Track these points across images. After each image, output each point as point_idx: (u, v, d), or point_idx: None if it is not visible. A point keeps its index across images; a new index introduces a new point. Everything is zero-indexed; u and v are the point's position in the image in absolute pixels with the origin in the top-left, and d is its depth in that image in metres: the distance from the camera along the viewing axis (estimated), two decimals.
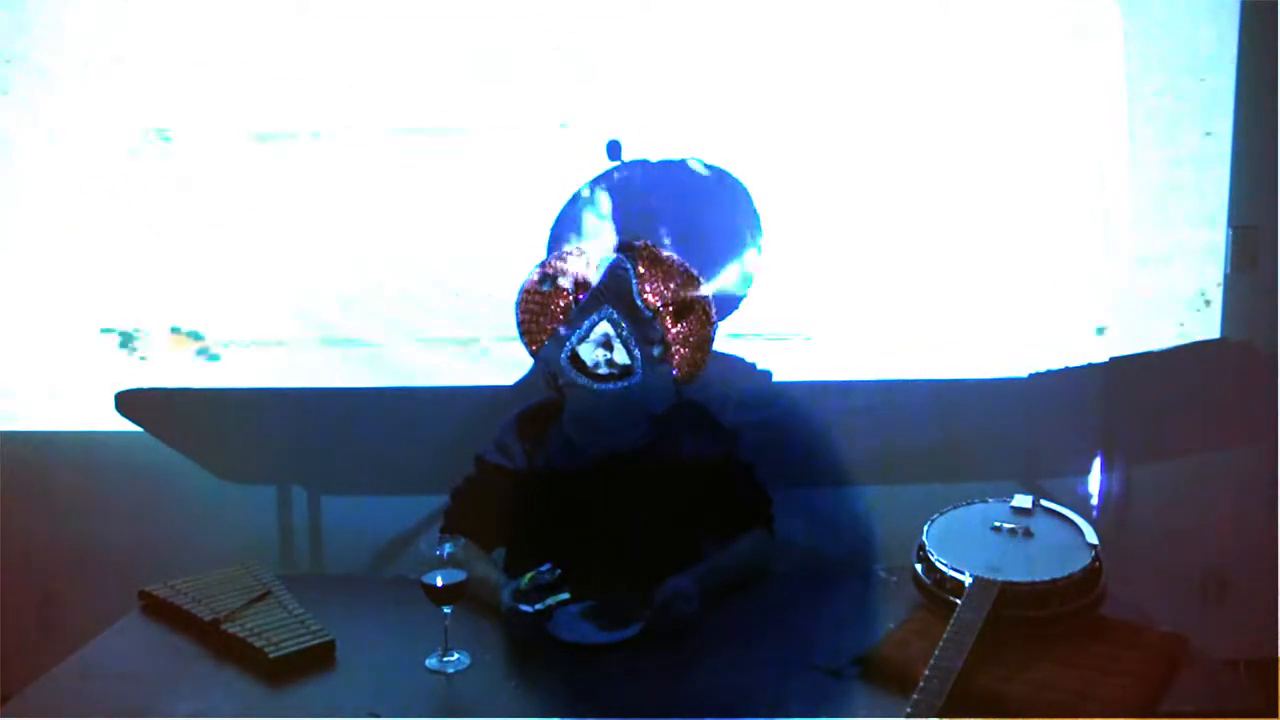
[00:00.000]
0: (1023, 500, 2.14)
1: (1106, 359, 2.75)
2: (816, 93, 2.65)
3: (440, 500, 2.31)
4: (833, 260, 2.70)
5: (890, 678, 1.79)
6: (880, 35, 2.64)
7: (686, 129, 2.65)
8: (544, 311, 2.29)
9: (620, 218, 2.58)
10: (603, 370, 2.20)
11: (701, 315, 2.30)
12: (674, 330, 2.27)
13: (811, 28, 2.63)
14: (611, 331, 2.20)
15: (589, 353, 2.21)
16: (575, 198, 2.62)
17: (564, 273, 2.27)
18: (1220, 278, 2.74)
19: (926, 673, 1.70)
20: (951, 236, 2.69)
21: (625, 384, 2.19)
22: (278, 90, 2.65)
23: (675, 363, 2.28)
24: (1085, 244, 2.72)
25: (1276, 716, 1.71)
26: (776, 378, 2.74)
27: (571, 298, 2.27)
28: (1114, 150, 2.70)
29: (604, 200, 2.61)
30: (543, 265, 2.31)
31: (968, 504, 2.16)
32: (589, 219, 2.59)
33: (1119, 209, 2.71)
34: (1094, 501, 2.77)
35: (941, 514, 2.13)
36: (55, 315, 2.74)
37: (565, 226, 2.61)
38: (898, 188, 2.68)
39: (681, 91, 2.63)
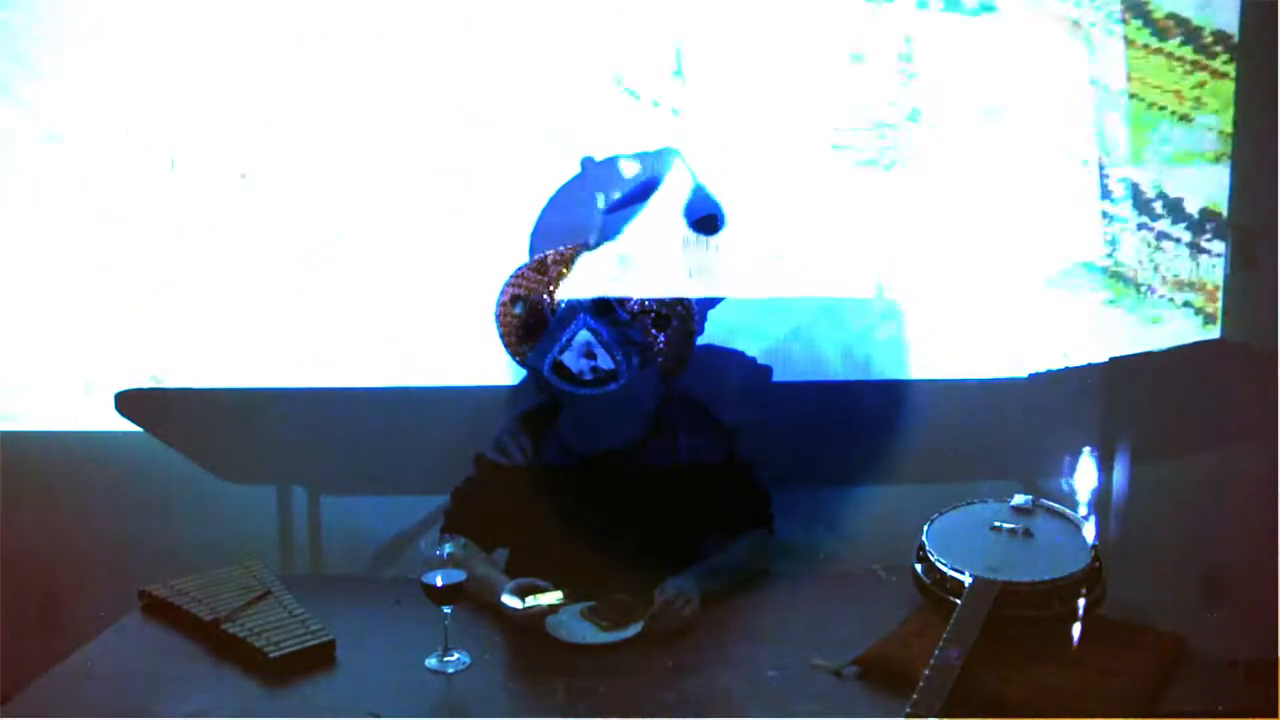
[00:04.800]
0: (1023, 500, 2.14)
1: (1106, 359, 2.75)
2: (814, 92, 2.65)
3: (440, 500, 2.31)
4: (831, 258, 2.70)
5: (890, 678, 1.79)
6: (877, 32, 2.64)
7: (680, 128, 2.65)
8: (522, 326, 2.30)
9: (593, 220, 2.58)
10: (588, 377, 2.20)
11: (682, 313, 2.30)
12: (656, 335, 2.27)
13: (809, 27, 2.63)
14: (592, 339, 2.21)
15: (573, 361, 2.21)
16: (550, 204, 2.63)
17: (534, 289, 2.28)
18: (1220, 278, 2.74)
19: (926, 673, 1.70)
20: (950, 234, 2.70)
21: (612, 387, 2.20)
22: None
23: (660, 363, 2.28)
24: (1084, 242, 2.72)
25: (1276, 716, 1.71)
26: (776, 376, 2.74)
27: (547, 309, 2.27)
28: (1114, 148, 2.70)
29: (578, 204, 2.62)
30: (512, 282, 2.31)
31: (968, 504, 2.16)
32: (564, 225, 2.59)
33: (1118, 207, 2.72)
34: (1093, 501, 2.77)
35: (941, 514, 2.13)
36: (54, 313, 2.75)
37: (542, 234, 2.62)
38: (897, 186, 2.68)
39: (675, 90, 2.64)
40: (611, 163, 2.64)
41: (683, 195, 2.61)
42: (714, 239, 2.60)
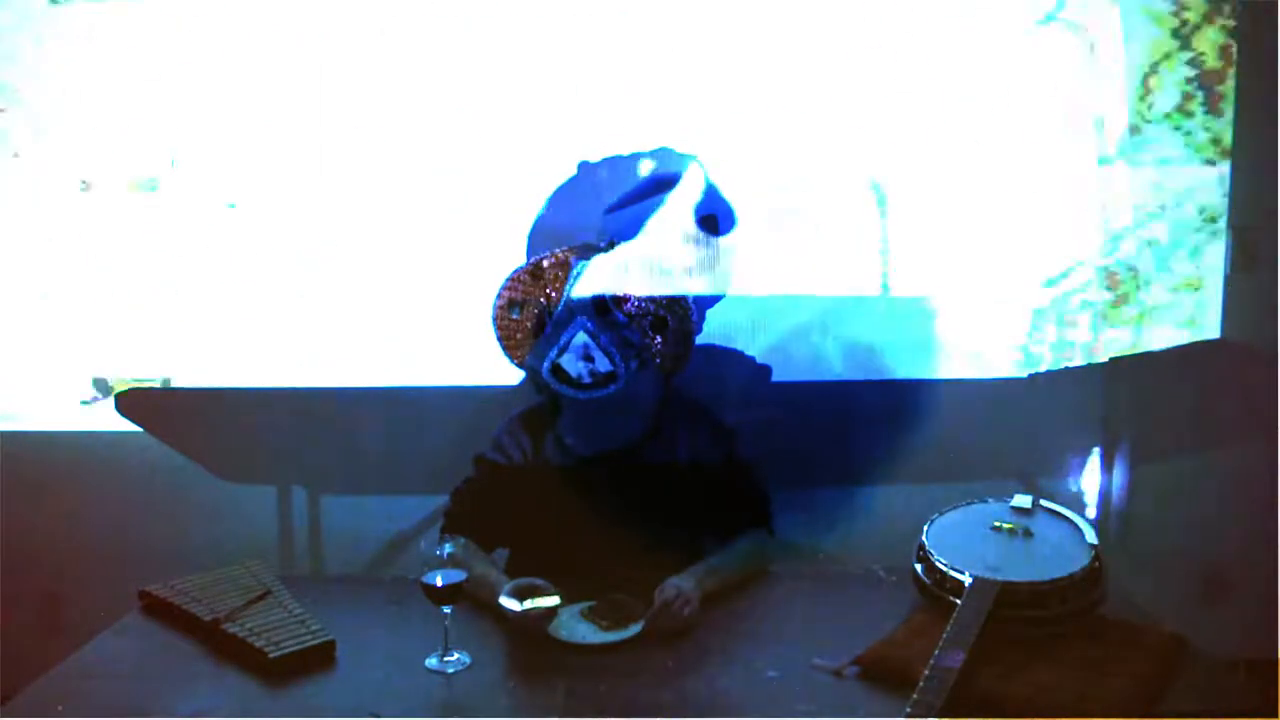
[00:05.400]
0: (1023, 500, 2.14)
1: (1106, 359, 2.75)
2: (808, 93, 2.65)
3: (440, 500, 2.31)
4: (832, 257, 2.70)
5: (890, 678, 1.79)
6: (870, 31, 2.64)
7: (680, 127, 2.65)
8: (520, 329, 2.29)
9: (588, 221, 2.58)
10: (586, 380, 2.20)
11: (679, 313, 2.29)
12: (654, 336, 2.26)
13: (806, 25, 2.64)
14: (590, 342, 2.20)
15: (571, 364, 2.20)
16: (547, 205, 2.63)
17: (530, 293, 2.27)
18: (1220, 278, 2.74)
19: (926, 673, 1.70)
20: (950, 235, 2.70)
21: (610, 389, 2.19)
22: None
23: (658, 364, 2.27)
24: (1084, 242, 2.73)
25: (1276, 716, 1.71)
26: (776, 376, 2.74)
27: (544, 312, 2.26)
28: (1113, 148, 2.70)
29: (573, 205, 2.62)
30: (508, 286, 2.30)
31: (968, 504, 2.16)
32: (561, 227, 2.59)
33: (1118, 206, 2.72)
34: (1093, 501, 2.77)
35: (941, 514, 2.13)
36: (54, 313, 2.75)
37: (539, 235, 2.62)
38: (897, 186, 2.68)
39: (664, 87, 2.64)
40: (610, 163, 2.64)
41: (692, 194, 2.60)
42: (720, 240, 2.60)
